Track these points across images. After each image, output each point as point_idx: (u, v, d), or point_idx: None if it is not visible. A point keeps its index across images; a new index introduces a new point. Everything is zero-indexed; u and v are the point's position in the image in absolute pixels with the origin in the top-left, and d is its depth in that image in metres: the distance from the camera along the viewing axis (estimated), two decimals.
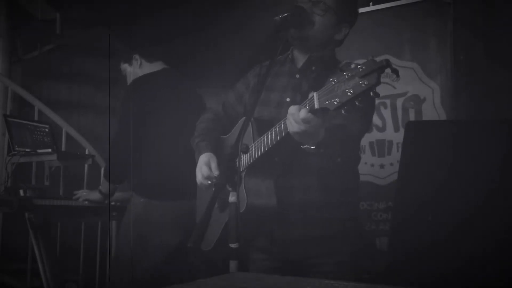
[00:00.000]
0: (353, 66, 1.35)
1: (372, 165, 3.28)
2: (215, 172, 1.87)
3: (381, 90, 3.42)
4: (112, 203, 2.98)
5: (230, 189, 1.53)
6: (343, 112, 1.39)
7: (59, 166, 3.76)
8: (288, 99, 1.88)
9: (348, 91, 1.33)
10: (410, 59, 3.28)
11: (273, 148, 1.69)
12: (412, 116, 3.24)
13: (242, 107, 2.04)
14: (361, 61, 1.35)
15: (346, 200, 1.88)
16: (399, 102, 3.29)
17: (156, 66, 2.80)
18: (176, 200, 2.59)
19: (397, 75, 1.36)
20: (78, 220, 3.82)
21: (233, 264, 1.46)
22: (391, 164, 3.25)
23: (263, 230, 1.89)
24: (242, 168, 1.78)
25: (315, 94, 1.45)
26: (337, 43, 1.97)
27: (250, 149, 1.76)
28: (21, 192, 2.90)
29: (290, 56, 1.97)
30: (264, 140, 1.71)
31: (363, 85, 1.31)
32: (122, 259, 2.65)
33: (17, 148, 3.37)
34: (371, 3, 3.46)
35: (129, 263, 2.58)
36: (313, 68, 1.90)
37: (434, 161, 1.84)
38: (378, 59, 1.32)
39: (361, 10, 3.45)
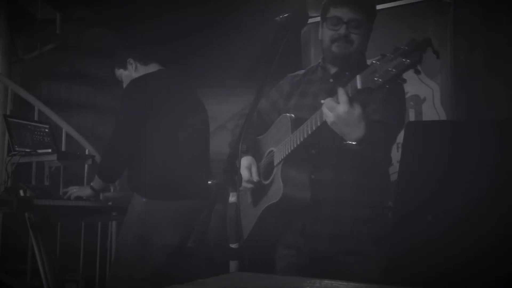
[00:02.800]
0: (395, 49, 1.44)
1: None
2: (255, 178, 1.93)
3: None
4: (109, 203, 2.98)
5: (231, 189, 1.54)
6: (391, 89, 1.49)
7: (59, 166, 3.76)
8: (322, 101, 1.91)
9: (391, 70, 1.42)
10: None
11: (310, 140, 1.74)
12: (412, 116, 3.24)
13: (277, 113, 2.09)
14: None
15: (377, 201, 1.92)
16: None
17: (151, 68, 2.79)
18: (177, 200, 2.59)
19: (438, 56, 1.47)
20: (78, 220, 3.82)
21: (233, 264, 1.47)
22: (391, 164, 3.24)
23: (295, 223, 1.92)
24: (280, 159, 1.84)
25: (358, 76, 1.52)
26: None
27: (288, 140, 1.81)
28: (21, 192, 2.90)
29: (321, 64, 2.04)
30: (301, 130, 1.76)
31: (405, 63, 1.39)
32: (123, 259, 2.64)
33: (17, 148, 3.37)
34: None
35: (130, 263, 2.58)
36: (347, 73, 1.94)
37: (434, 161, 1.84)
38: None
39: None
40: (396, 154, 3.25)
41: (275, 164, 1.89)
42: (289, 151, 1.80)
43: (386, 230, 1.93)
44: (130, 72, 2.80)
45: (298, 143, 1.75)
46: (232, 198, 1.51)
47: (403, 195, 1.89)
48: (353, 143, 1.62)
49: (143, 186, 2.63)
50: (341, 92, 1.57)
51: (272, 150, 1.95)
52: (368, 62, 1.76)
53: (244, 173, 1.94)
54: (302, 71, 2.15)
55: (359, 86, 1.51)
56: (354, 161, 1.83)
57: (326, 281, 1.14)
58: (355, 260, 1.85)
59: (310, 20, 2.66)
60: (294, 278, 1.24)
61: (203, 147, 2.84)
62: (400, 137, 1.87)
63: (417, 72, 1.41)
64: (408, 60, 1.39)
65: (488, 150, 1.76)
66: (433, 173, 1.83)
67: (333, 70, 2.00)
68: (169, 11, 4.33)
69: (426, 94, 3.20)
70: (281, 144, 1.87)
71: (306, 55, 3.68)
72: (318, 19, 2.07)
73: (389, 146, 1.93)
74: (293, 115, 1.89)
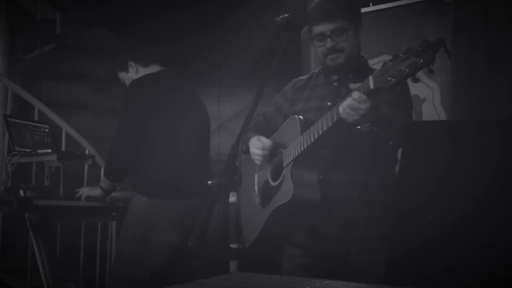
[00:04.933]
0: (407, 50, 1.48)
1: None
2: (267, 143, 1.97)
3: None
4: (120, 204, 2.98)
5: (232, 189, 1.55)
6: (398, 89, 1.52)
7: (59, 166, 3.76)
8: (329, 103, 1.96)
9: (404, 70, 1.46)
10: None
11: (320, 141, 1.77)
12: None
13: (282, 117, 2.13)
14: None
15: (386, 199, 1.93)
16: None
17: (152, 69, 2.80)
18: (178, 199, 2.59)
19: (449, 56, 1.54)
20: (78, 220, 3.82)
21: (233, 264, 1.47)
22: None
23: (304, 224, 1.93)
24: (289, 160, 1.87)
25: (370, 76, 1.56)
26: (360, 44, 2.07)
27: (298, 141, 1.84)
28: (21, 192, 2.90)
29: (321, 71, 2.08)
30: (312, 131, 1.78)
31: (419, 62, 1.43)
32: (123, 259, 2.64)
33: (17, 148, 3.37)
34: (371, 4, 3.46)
35: (130, 263, 2.58)
36: (351, 76, 1.98)
37: (434, 161, 1.84)
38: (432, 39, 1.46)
39: (361, 10, 3.46)
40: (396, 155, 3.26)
41: (284, 165, 1.91)
42: (299, 152, 1.82)
43: (400, 225, 1.92)
44: (132, 74, 2.82)
45: (309, 143, 1.78)
46: (232, 198, 1.51)
47: (403, 195, 1.89)
48: (368, 124, 1.66)
49: (143, 186, 2.64)
50: (356, 94, 1.61)
51: (281, 152, 1.97)
52: (371, 62, 1.79)
53: (257, 144, 1.98)
54: (306, 76, 2.18)
55: (372, 86, 1.55)
56: (368, 146, 1.86)
57: (326, 281, 1.14)
58: (364, 260, 1.87)
59: None
60: (294, 278, 1.24)
61: (203, 147, 2.84)
62: None
63: (430, 71, 1.44)
64: (421, 60, 1.42)
65: (488, 150, 1.76)
66: (433, 173, 1.83)
67: (335, 77, 2.04)
68: (169, 11, 4.33)
69: (426, 94, 3.20)
70: (290, 145, 1.89)
71: (306, 55, 3.68)
72: None
73: (400, 134, 1.91)
74: (301, 116, 1.92)
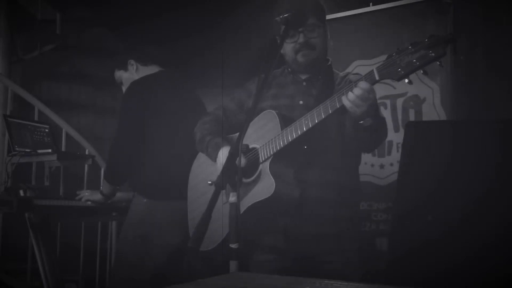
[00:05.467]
0: (413, 43, 1.50)
1: (372, 165, 3.28)
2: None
3: (381, 90, 3.45)
4: (124, 204, 2.97)
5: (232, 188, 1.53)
6: (406, 81, 1.53)
7: (59, 166, 3.76)
8: (301, 102, 1.95)
9: (415, 62, 1.48)
10: None
11: (303, 136, 1.75)
12: (412, 116, 3.24)
13: (244, 114, 2.09)
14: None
15: (355, 200, 1.98)
16: (399, 102, 3.29)
17: (151, 69, 2.80)
18: (179, 200, 2.58)
19: (455, 53, 1.59)
20: (78, 220, 3.82)
21: (233, 264, 1.47)
22: (391, 164, 3.25)
23: (277, 224, 1.89)
24: (268, 155, 1.83)
25: (374, 69, 1.57)
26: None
27: (279, 135, 1.80)
28: (21, 192, 2.90)
29: (288, 69, 2.05)
30: (296, 126, 1.76)
31: (430, 55, 1.45)
32: (123, 259, 2.64)
33: (17, 148, 3.36)
34: (371, 4, 3.46)
35: (130, 263, 2.58)
36: (319, 77, 1.99)
37: (434, 161, 1.84)
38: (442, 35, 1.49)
39: (361, 10, 3.47)
40: (396, 154, 3.26)
41: (261, 160, 1.86)
42: (280, 147, 1.79)
43: (359, 228, 2.04)
44: (131, 73, 2.82)
45: (290, 139, 1.76)
46: (232, 198, 1.50)
47: (403, 195, 1.89)
48: (370, 117, 1.67)
49: (143, 186, 2.64)
50: (363, 83, 1.61)
51: (254, 147, 1.91)
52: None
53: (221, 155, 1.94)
54: (263, 75, 2.15)
55: (377, 77, 1.57)
56: (366, 140, 1.84)
57: (326, 281, 1.14)
58: (337, 259, 1.86)
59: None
60: (294, 278, 1.24)
61: None
62: (400, 137, 1.88)
63: (441, 64, 1.47)
64: (432, 53, 1.44)
65: (488, 150, 1.76)
66: (433, 173, 1.83)
67: (303, 75, 2.03)
68: (169, 11, 4.33)
69: (426, 94, 3.20)
70: (268, 140, 1.85)
71: None
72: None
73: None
74: (276, 111, 1.89)
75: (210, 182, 1.92)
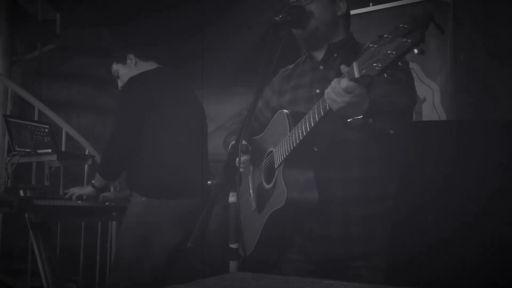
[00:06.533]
0: (394, 28, 1.28)
1: None
2: (244, 159, 1.83)
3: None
4: (107, 204, 2.96)
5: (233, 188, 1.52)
6: (385, 75, 1.31)
7: (59, 166, 3.76)
8: (317, 91, 1.81)
9: (390, 53, 1.26)
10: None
11: (310, 137, 1.60)
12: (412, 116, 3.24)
13: (271, 111, 1.98)
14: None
15: (388, 192, 1.77)
16: None
17: (149, 66, 2.78)
18: (177, 198, 2.58)
19: (442, 32, 1.29)
20: (78, 221, 3.82)
21: (233, 264, 1.46)
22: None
23: (302, 227, 1.80)
24: (280, 160, 1.71)
25: (354, 63, 1.38)
26: (345, 19, 1.89)
27: (287, 139, 1.68)
28: (21, 192, 2.90)
29: (306, 54, 1.94)
30: (300, 126, 1.62)
31: (406, 43, 1.23)
32: (122, 259, 2.63)
33: (17, 148, 3.37)
34: (371, 3, 3.46)
35: (129, 263, 2.57)
36: (335, 55, 1.84)
37: (434, 161, 1.84)
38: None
39: (361, 10, 3.46)
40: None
41: (276, 166, 1.77)
42: (290, 151, 1.67)
43: (400, 225, 1.80)
44: (129, 67, 2.80)
45: (298, 142, 1.63)
46: (232, 198, 1.50)
47: (403, 195, 1.88)
48: (360, 117, 1.48)
49: (141, 185, 2.62)
50: (344, 82, 1.42)
51: (271, 151, 1.83)
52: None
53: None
54: (292, 65, 2.04)
55: (357, 75, 1.36)
56: (358, 148, 1.71)
57: (326, 281, 1.14)
58: (364, 265, 1.73)
59: None
60: (294, 278, 1.24)
61: (201, 145, 2.81)
62: None
63: (421, 52, 1.24)
64: (409, 40, 1.23)
65: (489, 150, 1.76)
66: (433, 173, 1.82)
67: (319, 55, 1.88)
68: (169, 11, 4.33)
69: (426, 94, 3.20)
70: (280, 144, 1.75)
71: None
72: None
73: (402, 119, 1.69)
74: (289, 110, 1.76)
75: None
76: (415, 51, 1.24)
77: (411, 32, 1.23)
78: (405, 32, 1.24)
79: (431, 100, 3.19)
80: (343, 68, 1.44)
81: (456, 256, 1.74)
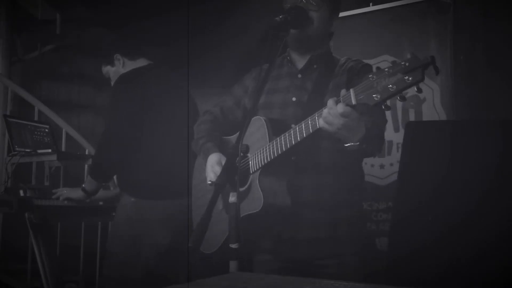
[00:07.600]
0: (393, 63, 1.36)
1: (372, 165, 3.28)
2: (213, 179, 1.84)
3: None
4: (101, 203, 2.94)
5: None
6: (383, 107, 1.41)
7: (59, 166, 3.76)
8: (294, 99, 1.88)
9: (390, 87, 1.35)
10: None
11: (293, 148, 1.67)
12: (412, 116, 3.24)
13: (241, 111, 2.03)
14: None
15: (352, 199, 1.87)
16: (399, 102, 3.28)
17: (140, 63, 2.70)
18: (167, 199, 2.51)
19: (437, 73, 1.37)
20: (78, 220, 3.82)
21: (233, 264, 1.46)
22: (391, 164, 3.25)
23: (272, 229, 1.86)
24: (257, 167, 1.77)
25: (351, 90, 1.46)
26: (330, 35, 1.98)
27: (266, 148, 1.74)
28: (21, 192, 2.90)
29: (288, 58, 1.97)
30: (284, 139, 1.68)
31: (407, 81, 1.32)
32: (113, 259, 2.56)
33: (17, 149, 3.37)
34: (371, 4, 3.47)
35: (121, 262, 2.52)
36: (315, 66, 1.90)
37: (434, 161, 1.84)
38: (421, 56, 1.34)
39: (361, 10, 3.47)
40: (396, 154, 3.26)
41: (251, 171, 1.80)
42: (269, 160, 1.73)
43: (362, 230, 1.92)
44: (118, 68, 2.73)
45: (279, 153, 1.69)
46: (232, 198, 1.50)
47: (403, 195, 1.88)
48: (356, 143, 1.57)
49: (131, 186, 2.56)
50: (341, 106, 1.49)
51: (247, 156, 1.84)
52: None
53: (216, 168, 1.86)
54: (267, 65, 1.98)
55: (354, 101, 1.45)
56: (336, 161, 1.81)
57: (325, 281, 1.14)
58: (332, 263, 1.81)
59: None
60: (294, 278, 1.24)
61: (188, 144, 2.74)
62: (400, 137, 1.87)
63: (419, 90, 1.34)
64: (410, 78, 1.31)
65: (488, 150, 1.76)
66: (433, 173, 1.83)
67: (300, 63, 1.93)
68: (169, 11, 4.33)
69: (426, 94, 3.20)
70: (257, 150, 1.78)
71: None
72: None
73: (382, 146, 1.88)
74: (265, 117, 1.81)
75: (210, 182, 1.90)
76: (415, 88, 1.34)
77: (412, 71, 1.32)
78: (406, 70, 1.32)
79: (431, 100, 3.19)
80: (342, 92, 1.51)
81: (456, 256, 1.74)
